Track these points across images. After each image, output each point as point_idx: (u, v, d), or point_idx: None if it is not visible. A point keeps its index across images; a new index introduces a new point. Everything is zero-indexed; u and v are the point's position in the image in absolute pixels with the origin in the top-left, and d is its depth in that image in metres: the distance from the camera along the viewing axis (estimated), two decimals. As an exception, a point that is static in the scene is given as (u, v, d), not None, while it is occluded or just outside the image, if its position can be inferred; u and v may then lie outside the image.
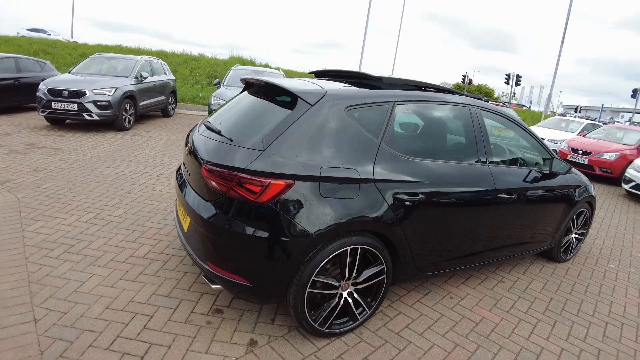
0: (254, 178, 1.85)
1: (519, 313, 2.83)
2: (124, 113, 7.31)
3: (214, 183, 1.97)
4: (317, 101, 2.06)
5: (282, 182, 1.87)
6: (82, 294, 2.43)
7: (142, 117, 8.99)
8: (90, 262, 2.81)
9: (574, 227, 3.72)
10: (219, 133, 2.17)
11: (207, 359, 1.99)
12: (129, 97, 7.44)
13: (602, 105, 33.91)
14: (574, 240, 3.81)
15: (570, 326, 2.75)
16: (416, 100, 2.45)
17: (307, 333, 2.27)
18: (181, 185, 2.48)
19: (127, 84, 7.43)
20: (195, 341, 2.11)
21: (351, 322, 2.29)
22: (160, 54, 17.04)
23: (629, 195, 7.05)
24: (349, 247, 2.09)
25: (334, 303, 2.19)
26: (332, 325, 2.22)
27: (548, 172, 3.18)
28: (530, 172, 3.04)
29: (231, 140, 2.06)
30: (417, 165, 2.32)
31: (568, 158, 8.36)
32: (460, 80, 32.99)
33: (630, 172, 6.84)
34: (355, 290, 2.26)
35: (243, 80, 2.82)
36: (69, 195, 4.02)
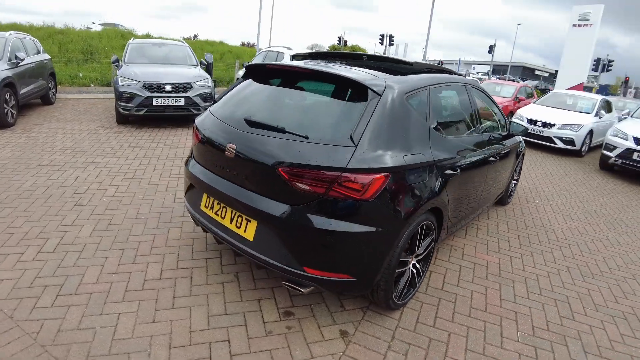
0: (357, 176, 1.82)
1: (506, 251, 3.47)
2: (5, 105, 5.72)
3: (303, 186, 1.87)
4: (383, 91, 2.08)
5: (381, 176, 1.89)
6: (125, 341, 2.02)
7: (21, 107, 7.15)
8: (102, 300, 2.32)
9: (515, 174, 4.58)
10: (282, 131, 2.01)
11: (317, 362, 1.98)
12: (8, 85, 5.81)
13: (460, 59, 39.68)
14: (513, 185, 4.69)
15: (542, 254, 3.51)
16: (440, 83, 2.65)
17: (379, 309, 2.40)
18: (220, 188, 2.21)
19: (2, 69, 5.77)
20: (292, 350, 2.05)
21: (412, 290, 2.52)
22: (15, 28, 13.19)
23: (516, 141, 8.76)
24: (419, 225, 2.25)
25: (408, 276, 2.36)
26: (404, 297, 2.41)
27: (508, 133, 3.82)
28: (502, 135, 3.62)
29: (307, 138, 1.94)
30: (452, 141, 2.59)
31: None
32: (336, 42, 32.56)
33: (515, 122, 8.47)
34: (416, 261, 2.47)
35: (259, 66, 2.57)
36: (1, 222, 3.14)
